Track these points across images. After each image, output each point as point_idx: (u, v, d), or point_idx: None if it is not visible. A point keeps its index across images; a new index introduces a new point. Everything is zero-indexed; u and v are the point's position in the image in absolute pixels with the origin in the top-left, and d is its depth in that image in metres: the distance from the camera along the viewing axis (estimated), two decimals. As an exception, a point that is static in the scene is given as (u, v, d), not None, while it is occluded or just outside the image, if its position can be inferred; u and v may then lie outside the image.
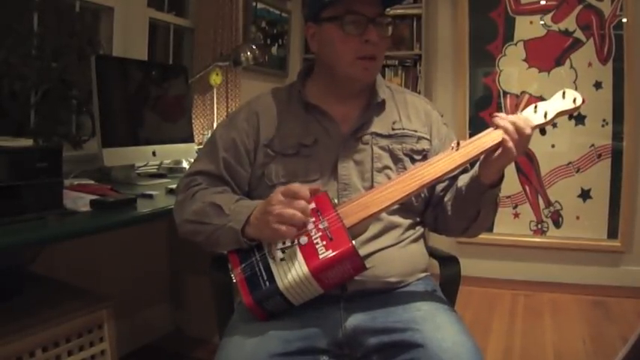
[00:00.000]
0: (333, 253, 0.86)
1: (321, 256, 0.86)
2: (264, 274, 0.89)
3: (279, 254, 0.89)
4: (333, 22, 1.02)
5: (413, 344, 0.87)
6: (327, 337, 0.92)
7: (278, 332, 0.89)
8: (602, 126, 2.82)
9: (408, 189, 0.93)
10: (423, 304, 0.97)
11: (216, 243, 0.99)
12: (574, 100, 0.94)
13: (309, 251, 0.87)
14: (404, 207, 1.05)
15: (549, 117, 0.94)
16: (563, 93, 0.95)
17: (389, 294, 1.00)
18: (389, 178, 1.04)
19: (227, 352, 0.89)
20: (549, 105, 0.95)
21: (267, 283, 0.88)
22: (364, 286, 0.98)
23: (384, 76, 3.05)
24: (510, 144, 0.90)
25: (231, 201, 1.00)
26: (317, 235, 0.89)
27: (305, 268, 0.86)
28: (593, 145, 2.84)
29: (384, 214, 1.01)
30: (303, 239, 0.89)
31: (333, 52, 1.04)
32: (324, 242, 0.87)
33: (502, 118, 0.93)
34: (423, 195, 1.09)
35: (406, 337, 0.89)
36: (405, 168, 1.06)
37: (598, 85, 2.80)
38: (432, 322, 0.91)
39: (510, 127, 0.91)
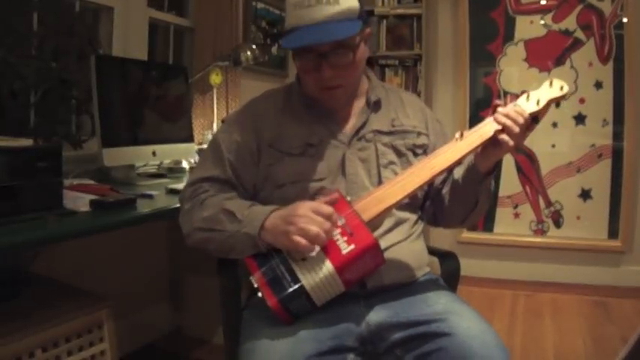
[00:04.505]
0: (357, 248, 0.87)
1: (344, 252, 0.87)
2: (287, 275, 0.89)
3: (300, 255, 0.89)
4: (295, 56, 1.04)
5: (439, 334, 0.89)
6: (354, 335, 0.93)
7: (309, 332, 0.89)
8: (603, 126, 2.81)
9: (420, 180, 0.95)
10: (440, 296, 0.99)
11: (230, 250, 0.98)
12: (561, 88, 0.97)
13: (331, 248, 0.88)
14: (411, 202, 1.07)
15: (542, 104, 0.96)
16: (550, 82, 0.99)
17: (403, 289, 1.01)
18: (395, 173, 1.06)
19: (260, 357, 0.87)
20: (540, 93, 0.98)
21: (292, 284, 0.88)
22: (382, 282, 0.99)
23: (384, 75, 3.05)
24: (506, 136, 0.93)
25: (243, 207, 0.98)
26: (336, 232, 0.89)
27: (329, 265, 0.87)
28: (593, 145, 2.84)
29: (394, 209, 1.02)
30: None
31: (302, 79, 1.09)
32: (345, 238, 0.88)
33: (499, 113, 0.95)
34: (424, 189, 1.10)
35: (433, 329, 0.90)
36: (409, 162, 1.08)
37: (598, 85, 2.80)
38: (456, 313, 0.93)
39: (507, 122, 0.94)
